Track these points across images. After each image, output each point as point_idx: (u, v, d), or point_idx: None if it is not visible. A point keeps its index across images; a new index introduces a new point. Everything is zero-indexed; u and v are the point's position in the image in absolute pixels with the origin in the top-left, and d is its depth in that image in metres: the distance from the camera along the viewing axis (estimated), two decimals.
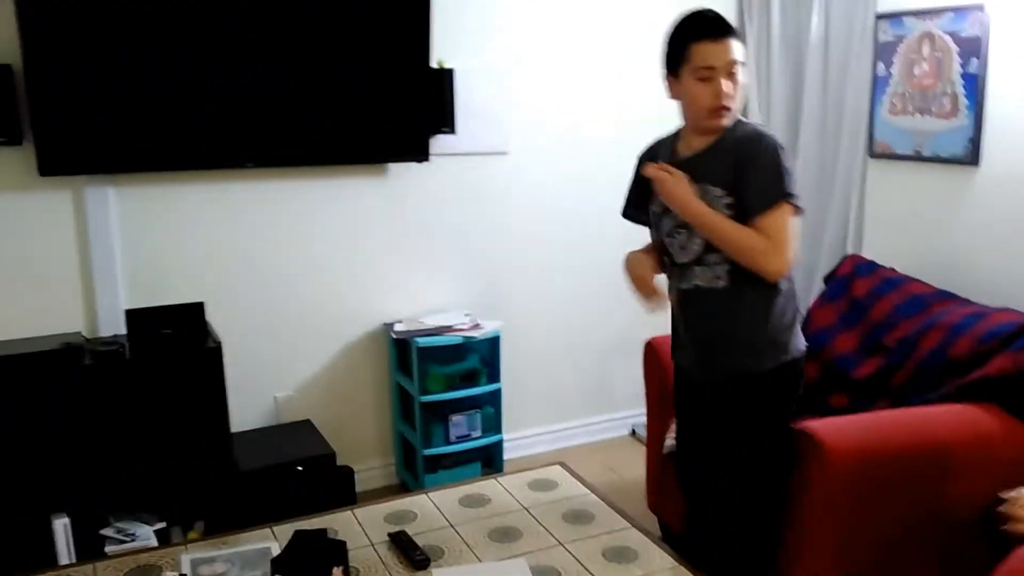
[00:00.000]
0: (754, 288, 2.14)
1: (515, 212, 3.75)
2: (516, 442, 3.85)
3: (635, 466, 3.60)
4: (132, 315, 2.87)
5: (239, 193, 3.22)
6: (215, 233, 3.21)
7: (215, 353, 2.88)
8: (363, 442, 3.62)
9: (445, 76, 3.37)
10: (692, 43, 2.07)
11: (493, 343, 3.54)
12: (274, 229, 3.30)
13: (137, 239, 3.09)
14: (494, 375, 3.55)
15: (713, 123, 2.11)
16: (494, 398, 3.56)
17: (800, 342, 2.26)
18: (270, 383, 3.40)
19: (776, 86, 3.86)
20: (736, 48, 2.07)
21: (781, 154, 2.09)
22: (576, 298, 3.95)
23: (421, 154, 3.38)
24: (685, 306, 2.27)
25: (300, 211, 3.35)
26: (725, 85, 2.06)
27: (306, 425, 3.38)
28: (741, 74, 2.09)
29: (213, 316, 3.06)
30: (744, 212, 2.09)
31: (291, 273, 3.36)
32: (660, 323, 3.70)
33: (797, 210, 2.10)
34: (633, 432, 4.17)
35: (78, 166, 2.89)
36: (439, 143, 3.46)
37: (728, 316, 2.17)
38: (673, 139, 2.29)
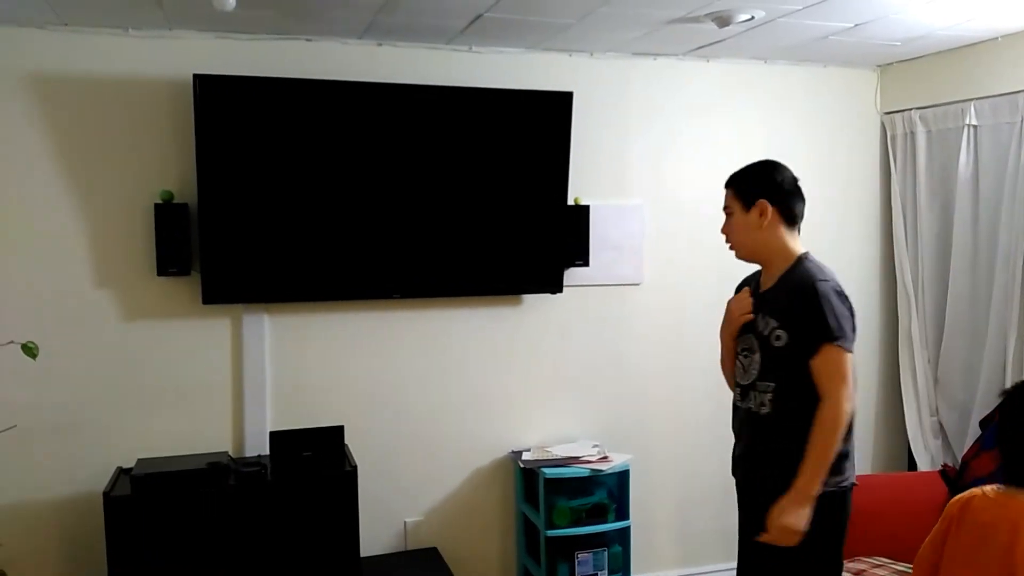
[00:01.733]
0: (796, 417, 2.22)
1: (646, 342, 3.74)
2: None
3: None
4: (276, 436, 3.01)
5: (382, 322, 3.37)
6: (357, 359, 3.36)
7: (351, 476, 2.95)
8: (488, 574, 3.57)
9: (581, 212, 3.47)
10: None
11: (622, 477, 3.46)
12: (411, 356, 3.42)
13: (286, 363, 3.27)
14: (623, 511, 3.45)
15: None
16: (622, 536, 3.45)
17: (850, 475, 2.32)
18: (401, 507, 3.44)
19: (924, 222, 3.76)
20: (726, 196, 2.41)
21: (828, 298, 2.22)
22: (710, 433, 3.83)
23: (556, 286, 3.46)
24: (742, 424, 2.42)
25: (437, 339, 3.46)
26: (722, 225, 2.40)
27: (433, 554, 3.37)
28: (734, 218, 2.39)
29: (350, 439, 3.16)
30: (800, 355, 2.23)
31: (425, 398, 3.45)
32: None
33: (844, 350, 2.20)
34: None
35: (238, 295, 3.13)
36: (573, 275, 3.53)
37: (774, 438, 2.28)
38: (759, 273, 2.47)
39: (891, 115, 3.93)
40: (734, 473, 2.52)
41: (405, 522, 3.45)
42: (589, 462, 3.40)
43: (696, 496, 3.84)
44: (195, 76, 2.91)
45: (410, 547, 3.43)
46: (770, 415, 2.29)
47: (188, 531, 2.79)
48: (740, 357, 2.41)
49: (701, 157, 3.76)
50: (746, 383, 2.37)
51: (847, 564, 2.77)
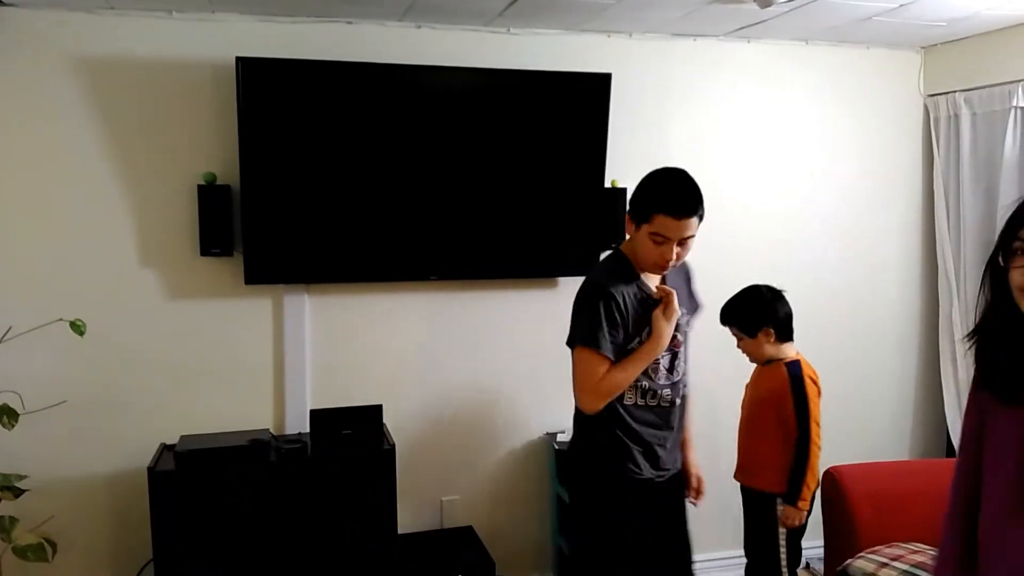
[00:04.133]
0: None
1: None
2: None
3: None
4: (316, 414, 3.05)
5: (419, 303, 3.41)
6: (395, 339, 3.39)
7: (389, 455, 3.00)
8: (522, 554, 3.61)
9: (618, 196, 3.46)
10: (656, 213, 2.23)
11: None
12: (448, 337, 3.45)
13: (326, 343, 3.31)
14: None
15: (654, 273, 2.36)
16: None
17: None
18: (437, 486, 3.48)
19: (967, 207, 3.70)
20: (693, 225, 2.25)
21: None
22: (731, 418, 3.82)
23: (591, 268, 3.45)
24: (672, 418, 2.45)
25: (473, 321, 3.49)
26: (674, 251, 2.25)
27: (468, 532, 3.41)
28: (693, 241, 2.30)
29: (388, 418, 3.20)
30: None
31: (461, 379, 3.48)
32: (843, 453, 3.54)
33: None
34: (807, 566, 3.91)
35: (279, 276, 3.17)
36: None
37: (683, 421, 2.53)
38: (628, 270, 2.36)
39: (935, 97, 3.87)
40: (656, 466, 2.45)
41: (441, 500, 3.49)
42: None
43: (732, 481, 3.83)
44: (238, 59, 2.94)
45: (446, 525, 3.48)
46: (686, 395, 2.54)
47: (229, 506, 2.85)
48: (660, 358, 2.38)
49: (740, 139, 3.73)
50: (678, 378, 2.45)
51: (885, 549, 2.76)
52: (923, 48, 3.89)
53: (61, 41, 2.98)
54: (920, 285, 4.03)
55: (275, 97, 3.02)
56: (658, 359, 2.37)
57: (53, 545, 2.81)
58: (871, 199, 3.92)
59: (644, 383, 2.38)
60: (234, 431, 3.10)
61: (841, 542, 2.90)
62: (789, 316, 2.89)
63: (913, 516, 2.90)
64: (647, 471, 2.41)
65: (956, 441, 3.81)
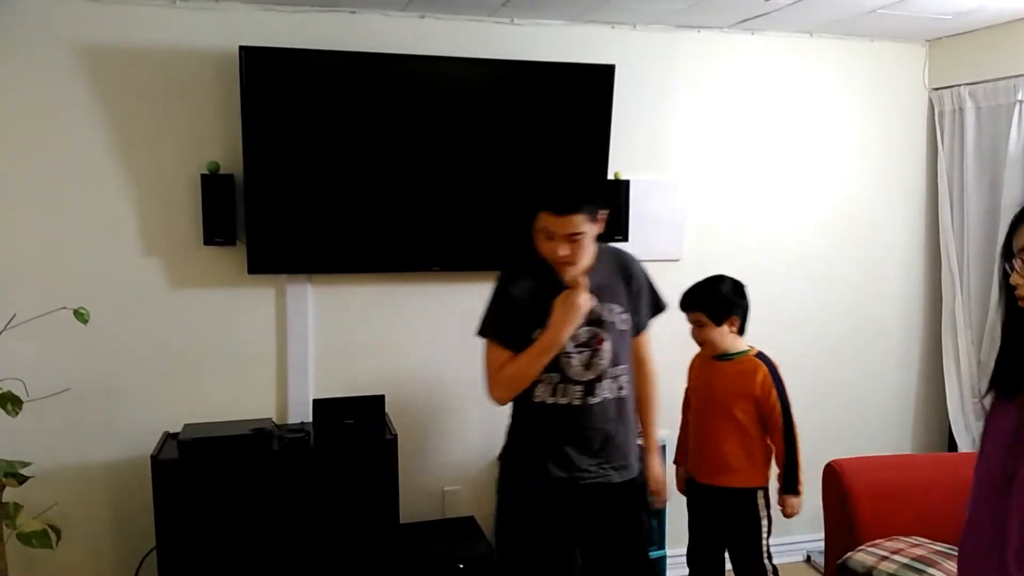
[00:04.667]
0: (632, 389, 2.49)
1: (683, 318, 3.71)
2: (680, 559, 3.70)
3: None
4: (319, 404, 3.06)
5: (422, 294, 3.41)
6: (398, 330, 3.40)
7: (391, 445, 3.00)
8: None
9: (621, 187, 3.46)
10: (540, 210, 2.29)
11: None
12: (451, 328, 3.45)
13: (328, 333, 3.32)
14: None
15: (560, 269, 2.33)
16: (658, 511, 3.46)
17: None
18: (439, 476, 3.49)
19: (971, 201, 3.70)
20: (577, 221, 2.25)
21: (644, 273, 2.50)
22: None
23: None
24: (596, 420, 2.38)
25: (476, 312, 3.45)
26: (564, 248, 2.28)
27: (470, 522, 3.42)
28: (586, 237, 2.28)
29: (391, 408, 3.21)
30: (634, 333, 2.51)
31: (464, 370, 3.46)
32: (844, 446, 3.55)
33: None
34: (808, 559, 3.92)
35: (282, 266, 3.17)
36: None
37: (630, 416, 2.48)
38: (540, 264, 2.36)
39: (939, 91, 3.86)
40: (582, 471, 2.40)
41: (444, 491, 3.50)
42: None
43: None
44: (241, 48, 2.94)
45: (448, 515, 3.49)
46: (629, 395, 2.46)
47: (232, 494, 2.86)
48: (575, 354, 2.36)
49: (744, 132, 3.73)
50: (593, 376, 2.37)
51: (885, 542, 2.77)
52: (928, 41, 3.88)
53: (65, 29, 2.98)
54: (923, 279, 4.03)
55: (278, 86, 3.02)
56: (570, 354, 2.35)
57: (57, 532, 2.82)
58: (874, 192, 3.91)
59: (555, 377, 2.36)
60: (237, 420, 3.11)
61: (842, 535, 2.91)
62: (748, 309, 2.87)
63: (914, 510, 2.91)
64: (555, 471, 2.38)
65: (958, 435, 3.83)
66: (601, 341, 2.38)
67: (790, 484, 2.77)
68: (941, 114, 3.86)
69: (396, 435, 3.03)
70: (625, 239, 3.50)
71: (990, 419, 1.56)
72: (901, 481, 2.98)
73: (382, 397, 3.13)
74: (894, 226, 3.96)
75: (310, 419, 3.12)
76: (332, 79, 3.08)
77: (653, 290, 2.55)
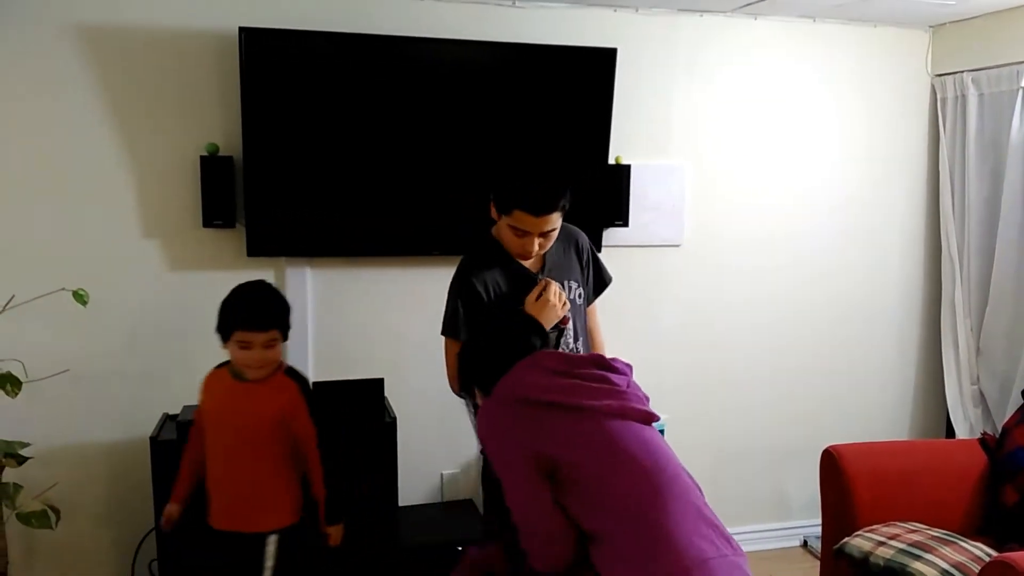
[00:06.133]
0: None
1: (684, 304, 3.74)
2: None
3: None
4: (318, 387, 3.05)
5: (422, 278, 3.40)
6: (398, 314, 3.40)
7: (390, 428, 3.01)
8: None
9: (622, 172, 3.45)
10: (515, 208, 2.31)
11: None
12: None
13: (328, 317, 3.32)
14: None
15: (518, 260, 2.42)
16: None
17: None
18: (438, 460, 3.50)
19: (972, 188, 3.69)
20: (552, 220, 2.32)
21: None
22: (749, 397, 3.85)
23: (594, 246, 3.44)
24: None
25: None
26: (535, 243, 2.34)
27: (468, 505, 3.43)
28: (556, 231, 2.36)
29: (390, 392, 3.21)
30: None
31: None
32: (842, 431, 3.56)
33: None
34: (805, 543, 3.93)
35: (281, 249, 3.17)
36: (612, 235, 3.53)
37: None
38: (498, 253, 2.43)
39: (942, 77, 3.85)
40: None
41: (442, 474, 3.51)
42: None
43: (728, 458, 3.86)
44: (241, 29, 2.93)
45: (446, 499, 3.50)
46: None
47: None
48: (551, 334, 2.40)
49: (746, 117, 3.71)
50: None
51: (883, 528, 2.78)
52: (931, 27, 3.86)
53: (63, 10, 2.96)
54: (923, 266, 4.02)
55: (278, 68, 3.01)
56: None
57: (57, 512, 2.82)
58: (876, 178, 3.90)
59: None
60: None
61: (839, 520, 2.91)
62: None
63: (912, 496, 2.91)
64: None
65: (956, 422, 3.84)
66: (566, 321, 2.46)
67: (337, 512, 2.57)
68: (943, 101, 3.84)
69: (395, 418, 3.03)
70: (625, 224, 3.50)
71: None
72: (899, 467, 2.98)
73: (381, 380, 3.13)
74: (894, 212, 3.95)
75: None
76: (332, 61, 3.07)
77: (598, 263, 2.65)
